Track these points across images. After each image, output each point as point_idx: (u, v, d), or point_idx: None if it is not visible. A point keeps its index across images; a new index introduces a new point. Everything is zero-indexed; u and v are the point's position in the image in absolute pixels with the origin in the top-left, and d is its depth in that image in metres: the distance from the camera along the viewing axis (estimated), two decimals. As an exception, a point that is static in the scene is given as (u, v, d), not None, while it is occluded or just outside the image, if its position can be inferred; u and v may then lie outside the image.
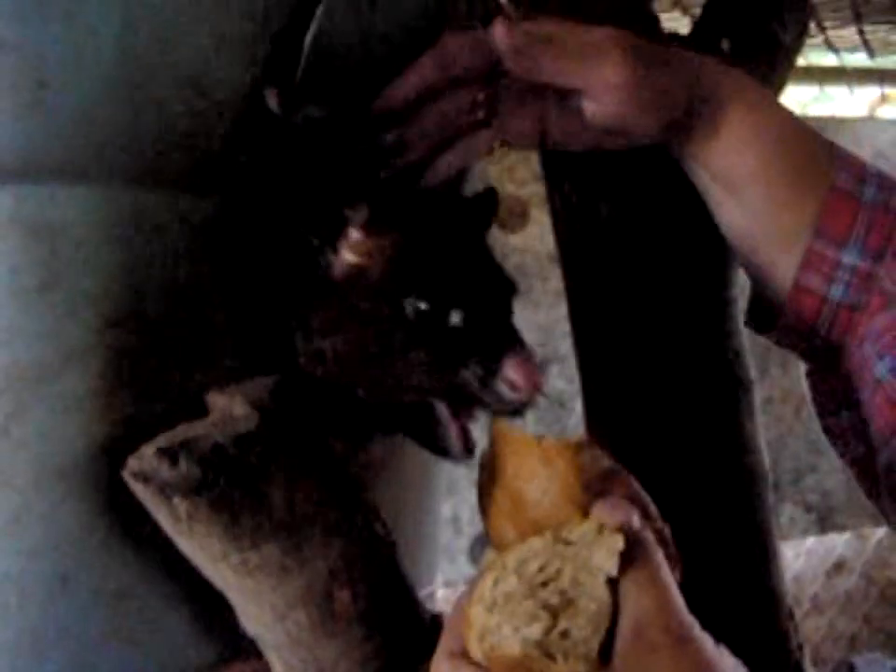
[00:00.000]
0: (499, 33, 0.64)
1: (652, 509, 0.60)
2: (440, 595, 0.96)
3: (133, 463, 0.55)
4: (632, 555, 0.53)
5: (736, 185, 0.71)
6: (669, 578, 0.53)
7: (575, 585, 0.52)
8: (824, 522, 2.25)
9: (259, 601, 0.58)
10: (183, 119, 0.58)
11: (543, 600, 0.52)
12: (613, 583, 0.52)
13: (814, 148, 0.72)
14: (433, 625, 0.64)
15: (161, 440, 0.55)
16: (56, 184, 0.56)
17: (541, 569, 0.53)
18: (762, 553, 0.92)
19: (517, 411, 0.61)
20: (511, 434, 0.58)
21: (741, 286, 0.89)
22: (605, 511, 0.55)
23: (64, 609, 0.59)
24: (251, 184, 0.62)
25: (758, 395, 0.94)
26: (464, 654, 0.53)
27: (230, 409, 0.57)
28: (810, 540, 2.34)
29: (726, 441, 0.91)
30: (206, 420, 0.58)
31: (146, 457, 0.54)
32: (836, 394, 0.74)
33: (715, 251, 0.88)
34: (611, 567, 0.52)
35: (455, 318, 0.60)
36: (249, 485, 0.55)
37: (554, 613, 0.52)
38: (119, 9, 0.55)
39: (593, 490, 0.57)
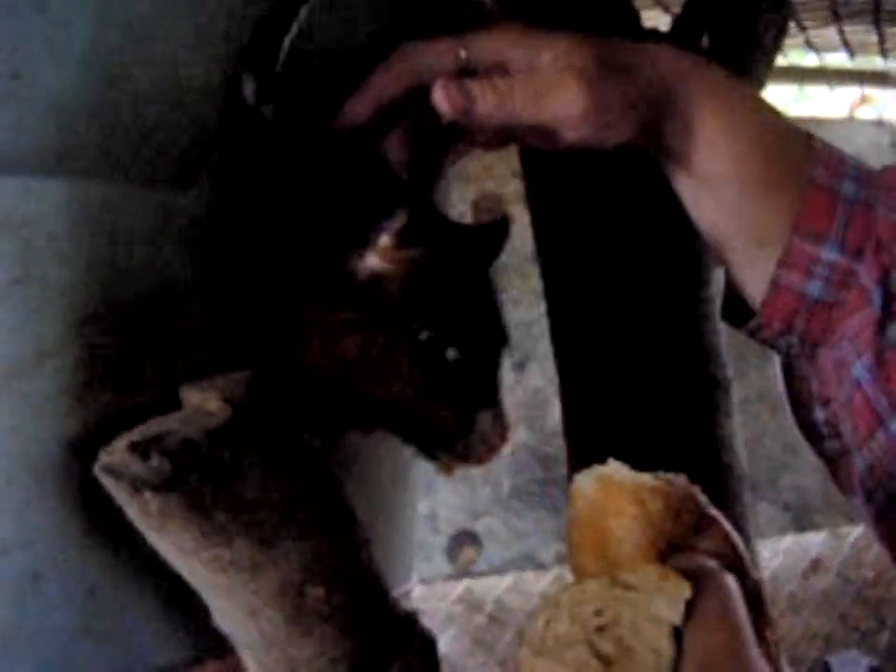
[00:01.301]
0: (439, 97, 0.63)
1: (745, 559, 0.56)
2: (416, 593, 0.96)
3: (104, 458, 0.54)
4: (701, 597, 0.49)
5: (710, 181, 0.70)
6: (740, 622, 0.50)
7: (634, 633, 0.48)
8: (801, 521, 2.27)
9: (232, 598, 0.58)
10: (158, 113, 0.58)
11: (597, 647, 0.48)
12: (678, 631, 0.48)
13: (790, 142, 0.71)
14: (407, 623, 0.64)
15: (133, 434, 0.54)
16: (29, 177, 0.55)
17: (597, 614, 0.49)
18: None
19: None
20: (604, 468, 0.56)
21: (718, 285, 0.89)
22: (681, 563, 0.52)
23: (36, 607, 0.58)
24: (228, 179, 0.62)
25: (735, 395, 0.94)
26: None
27: (203, 404, 0.57)
28: (787, 540, 2.35)
29: (704, 439, 0.91)
30: (179, 415, 0.57)
31: (117, 452, 0.53)
32: (812, 389, 0.74)
33: (691, 250, 0.88)
34: (675, 616, 0.48)
35: (451, 354, 0.59)
36: (221, 481, 0.54)
37: (608, 662, 0.48)
38: (93, 0, 0.55)
39: (680, 537, 0.54)
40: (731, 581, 0.52)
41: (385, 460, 0.75)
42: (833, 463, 0.74)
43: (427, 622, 0.66)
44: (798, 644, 2.32)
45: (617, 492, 0.55)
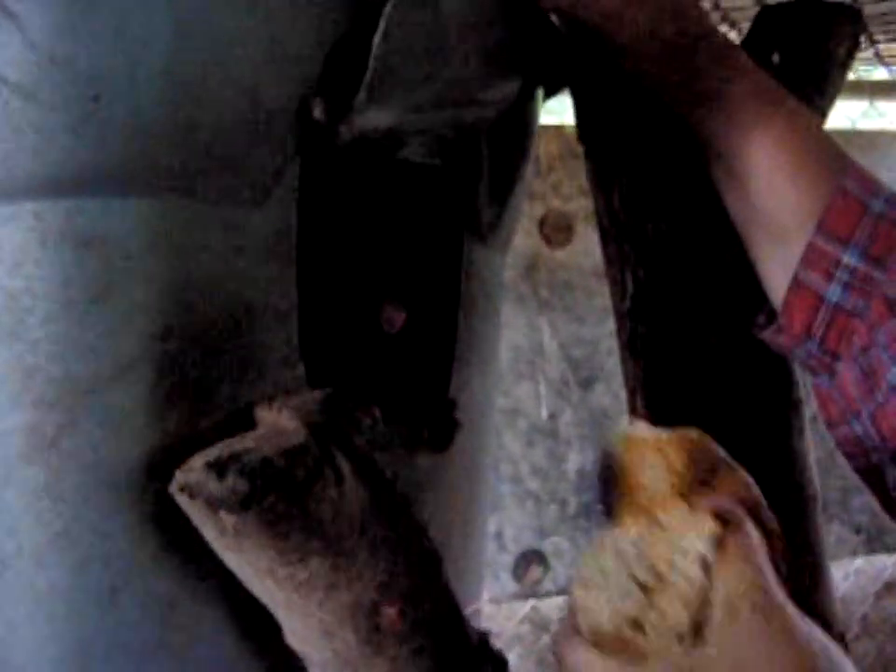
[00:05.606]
0: None
1: (762, 503, 0.61)
2: (485, 611, 0.96)
3: (180, 477, 0.54)
4: (728, 536, 0.54)
5: (739, 170, 0.71)
6: (761, 559, 0.54)
7: (667, 564, 0.54)
8: (873, 542, 2.22)
9: (306, 618, 0.58)
10: (234, 131, 0.59)
11: (636, 577, 0.55)
12: (709, 567, 0.53)
13: (827, 153, 0.72)
14: (480, 644, 0.63)
15: (209, 453, 0.55)
16: (108, 197, 0.56)
17: (636, 548, 0.56)
18: (812, 576, 0.90)
19: None
20: (633, 431, 0.62)
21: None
22: (706, 503, 0.57)
23: (113, 621, 0.59)
24: (304, 196, 0.62)
25: (806, 413, 0.93)
26: (579, 633, 0.56)
27: (278, 423, 0.57)
28: (859, 561, 2.30)
29: (777, 460, 0.89)
30: (254, 434, 0.57)
31: (193, 471, 0.54)
32: (843, 403, 0.73)
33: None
34: (703, 546, 0.54)
35: None
36: (297, 500, 0.54)
37: (647, 590, 0.54)
38: (170, 21, 0.55)
39: (703, 482, 0.59)
40: (753, 529, 0.56)
41: (461, 482, 0.75)
42: (872, 478, 0.74)
43: (493, 641, 0.66)
44: (872, 668, 2.27)
45: (641, 447, 0.61)
